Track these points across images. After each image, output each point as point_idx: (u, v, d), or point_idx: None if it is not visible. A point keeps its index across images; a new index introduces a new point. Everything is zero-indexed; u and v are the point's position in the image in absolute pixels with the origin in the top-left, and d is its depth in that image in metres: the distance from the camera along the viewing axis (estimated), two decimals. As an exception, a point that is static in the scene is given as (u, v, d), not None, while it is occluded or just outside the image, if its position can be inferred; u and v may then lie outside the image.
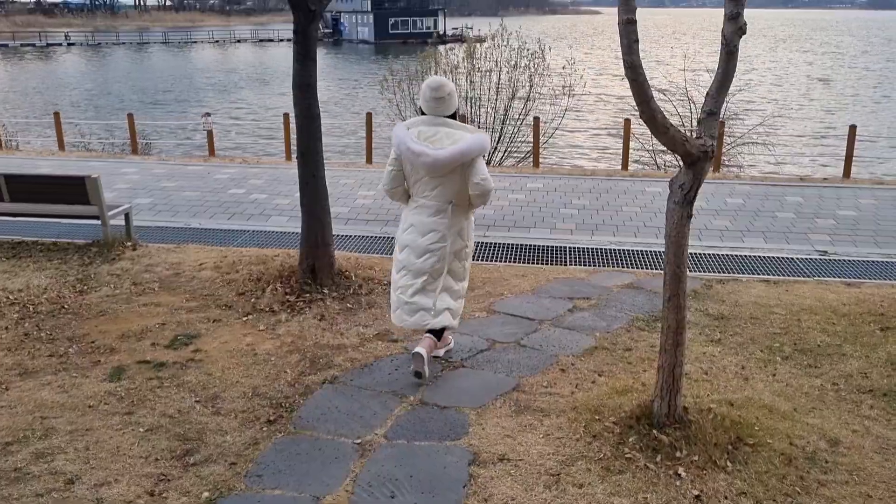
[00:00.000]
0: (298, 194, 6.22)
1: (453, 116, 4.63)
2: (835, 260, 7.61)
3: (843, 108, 30.91)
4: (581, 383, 4.68)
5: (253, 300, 6.01)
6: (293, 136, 14.46)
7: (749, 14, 3.41)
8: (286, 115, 14.35)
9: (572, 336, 5.46)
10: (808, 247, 7.98)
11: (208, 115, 14.93)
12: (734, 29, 3.46)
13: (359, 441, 4.00)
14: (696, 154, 3.51)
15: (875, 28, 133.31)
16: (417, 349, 4.68)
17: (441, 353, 5.06)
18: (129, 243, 7.46)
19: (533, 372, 4.85)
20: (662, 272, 6.45)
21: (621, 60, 3.36)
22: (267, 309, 5.84)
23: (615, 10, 3.37)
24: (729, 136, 14.04)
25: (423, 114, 4.61)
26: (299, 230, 8.03)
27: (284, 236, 8.17)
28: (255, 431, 4.10)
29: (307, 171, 6.02)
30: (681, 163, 3.65)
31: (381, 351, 5.19)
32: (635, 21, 3.23)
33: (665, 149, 15.01)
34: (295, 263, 6.57)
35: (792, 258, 7.62)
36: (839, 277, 7.06)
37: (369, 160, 14.08)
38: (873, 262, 7.56)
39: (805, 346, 5.32)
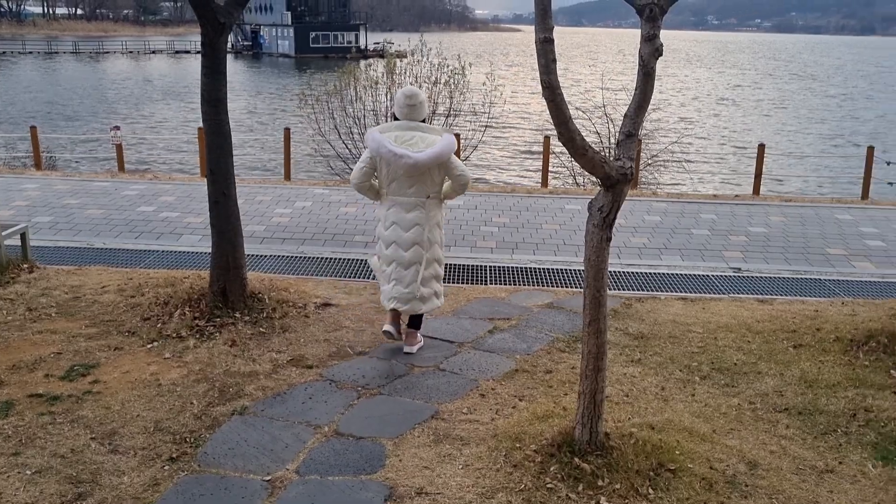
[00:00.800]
0: (209, 210, 5.94)
1: (423, 121, 5.20)
2: (748, 277, 7.76)
3: (752, 128, 32.14)
4: (501, 409, 4.57)
5: (159, 325, 5.69)
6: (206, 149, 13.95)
7: (661, 35, 3.37)
8: (200, 130, 13.90)
9: (492, 359, 5.35)
10: (723, 264, 8.13)
11: (117, 128, 14.34)
12: (651, 50, 3.42)
13: (268, 478, 3.77)
14: (616, 177, 3.45)
15: (778, 50, 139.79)
16: (407, 349, 5.39)
17: (415, 349, 5.43)
18: (24, 265, 6.99)
19: (452, 398, 4.71)
20: (582, 291, 6.43)
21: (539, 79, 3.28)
22: (174, 335, 5.53)
23: (534, 28, 3.29)
24: (645, 154, 14.31)
25: (396, 119, 5.20)
26: (210, 249, 7.73)
27: (196, 256, 7.83)
28: (155, 471, 3.82)
29: (217, 189, 5.75)
30: (600, 183, 3.58)
31: (295, 378, 4.96)
32: (552, 40, 3.15)
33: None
34: (205, 285, 6.27)
35: (707, 275, 7.74)
36: (752, 294, 7.19)
37: (287, 177, 13.78)
38: (784, 278, 7.75)
39: (722, 364, 5.35)
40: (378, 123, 15.50)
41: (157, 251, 8.02)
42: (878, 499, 3.75)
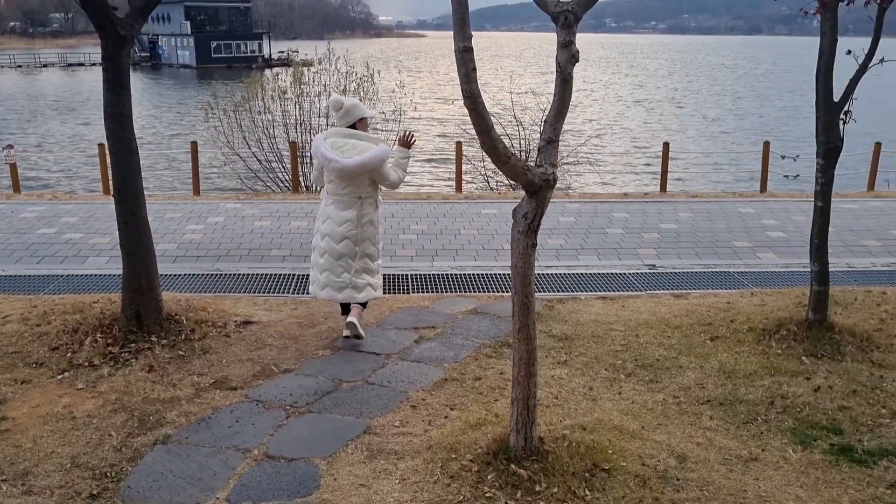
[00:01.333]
0: (118, 231, 5.69)
1: (357, 125, 5.72)
2: (662, 273, 7.98)
3: (655, 127, 33.19)
4: (434, 420, 4.53)
5: (69, 355, 5.40)
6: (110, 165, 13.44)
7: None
8: (101, 146, 13.36)
9: (421, 369, 5.31)
10: (638, 261, 8.33)
11: (10, 146, 13.61)
12: (567, 56, 3.46)
13: (198, 509, 3.63)
14: (539, 183, 3.48)
15: (674, 51, 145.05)
16: (350, 319, 5.72)
17: (355, 319, 5.75)
18: (-85, 298, 6.55)
19: (384, 411, 4.65)
20: (503, 295, 6.45)
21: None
22: (86, 363, 5.27)
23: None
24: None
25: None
26: (119, 272, 7.41)
27: (105, 280, 7.50)
28: (75, 510, 3.62)
29: (126, 208, 5.51)
30: (521, 189, 3.60)
31: (219, 401, 4.80)
32: (472, 49, 3.14)
33: (496, 171, 15.41)
34: (117, 309, 6.01)
35: (624, 273, 7.92)
36: (668, 290, 7.39)
37: (196, 192, 13.38)
38: (696, 272, 8.00)
39: (645, 361, 5.47)
40: (288, 134, 15.29)
41: (62, 276, 7.63)
42: (800, 482, 3.89)
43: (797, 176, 13.53)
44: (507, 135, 15.69)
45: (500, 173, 15.41)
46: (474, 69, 3.16)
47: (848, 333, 5.73)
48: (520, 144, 15.27)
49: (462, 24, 3.10)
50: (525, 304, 3.67)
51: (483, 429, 4.24)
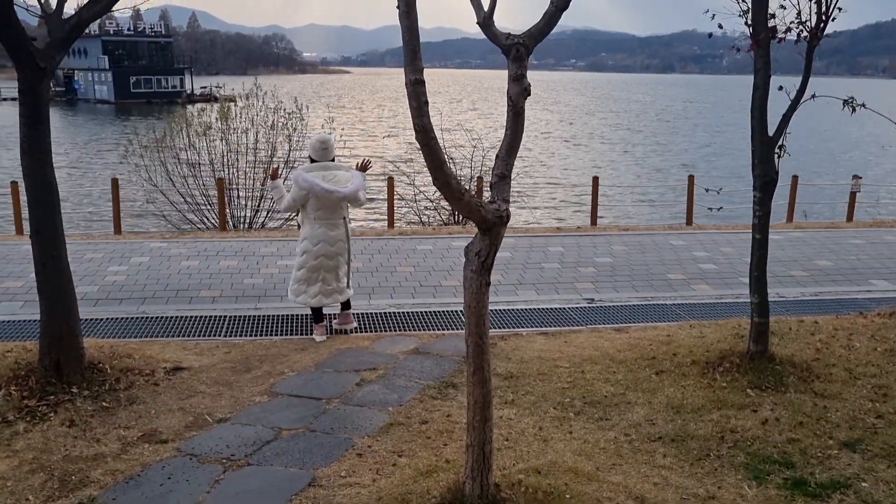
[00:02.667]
0: (35, 274, 5.31)
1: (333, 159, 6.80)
2: (601, 307, 7.97)
3: (581, 162, 33.85)
4: (382, 468, 4.32)
5: (-21, 410, 4.97)
6: (24, 205, 12.81)
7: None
8: (14, 184, 12.73)
9: (364, 413, 5.09)
10: (577, 295, 8.31)
11: (-86, 186, 12.82)
12: (520, 90, 3.37)
13: (129, 579, 3.31)
14: (492, 220, 3.36)
15: (593, 88, 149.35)
16: (345, 326, 7.01)
17: (349, 328, 7.00)
18: None
19: (328, 461, 4.41)
20: (444, 333, 6.30)
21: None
22: (-1, 420, 4.86)
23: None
24: (486, 191, 14.57)
25: (312, 161, 6.75)
26: (35, 317, 6.94)
27: (18, 326, 7.01)
28: (-12, 588, 3.26)
29: (44, 251, 5.15)
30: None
31: (148, 457, 4.47)
32: (423, 81, 3.02)
33: (430, 205, 15.33)
34: (33, 359, 5.58)
35: (564, 308, 7.87)
36: (608, 324, 7.37)
37: (118, 230, 12.84)
38: (634, 305, 8.02)
39: (593, 398, 5.38)
40: (213, 171, 14.87)
41: (-28, 323, 7.11)
42: (759, 521, 3.83)
43: (720, 208, 13.86)
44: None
45: (434, 208, 15.40)
46: (426, 102, 3.03)
47: (788, 364, 5.78)
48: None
49: (413, 55, 2.98)
50: (479, 346, 3.52)
51: (435, 476, 4.05)
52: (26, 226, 13.24)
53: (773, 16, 5.19)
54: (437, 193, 15.83)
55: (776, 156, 5.52)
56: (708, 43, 5.99)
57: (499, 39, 3.37)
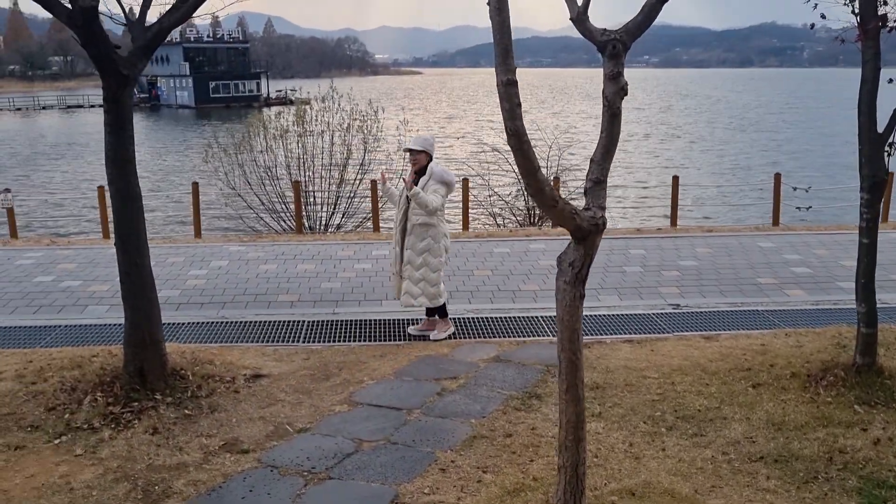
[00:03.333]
0: (120, 282, 5.35)
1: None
2: (688, 312, 7.62)
3: (658, 161, 33.06)
4: (466, 485, 4.15)
5: (67, 416, 5.02)
6: (111, 210, 13.16)
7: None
8: (101, 188, 13.07)
9: (446, 425, 4.93)
10: (661, 301, 7.98)
11: (8, 190, 13.33)
12: (616, 89, 3.16)
13: None
14: (587, 228, 3.15)
15: (669, 85, 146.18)
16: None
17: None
18: None
19: (410, 476, 4.27)
20: (525, 340, 6.09)
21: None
22: (85, 426, 4.89)
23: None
24: (564, 191, 14.28)
25: (430, 157, 6.69)
26: (121, 321, 7.04)
27: (105, 330, 7.13)
28: None
29: (128, 258, 5.17)
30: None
31: (230, 467, 4.42)
32: (516, 82, 2.84)
33: (502, 208, 15.11)
34: (118, 364, 5.64)
35: (648, 314, 7.56)
36: (696, 331, 7.03)
37: (198, 234, 13.06)
38: (723, 311, 7.64)
39: (685, 412, 5.10)
40: (290, 174, 14.99)
41: (60, 326, 7.26)
42: (879, 554, 3.51)
43: (809, 208, 13.19)
44: (514, 171, 15.47)
45: (507, 210, 15.18)
46: (519, 104, 2.85)
47: (899, 378, 5.37)
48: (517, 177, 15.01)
49: (505, 54, 2.80)
50: (572, 362, 3.32)
51: (522, 496, 3.87)
52: (112, 229, 13.64)
53: (886, 2, 4.80)
54: (512, 195, 15.68)
55: (886, 154, 5.13)
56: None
57: (594, 36, 3.16)
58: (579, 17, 3.14)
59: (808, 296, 8.10)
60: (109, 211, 13.77)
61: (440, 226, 6.68)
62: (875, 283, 5.43)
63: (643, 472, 4.26)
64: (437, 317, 6.92)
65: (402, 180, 6.95)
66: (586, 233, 3.18)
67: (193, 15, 5.12)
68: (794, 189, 14.24)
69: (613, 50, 3.12)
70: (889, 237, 10.64)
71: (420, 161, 6.61)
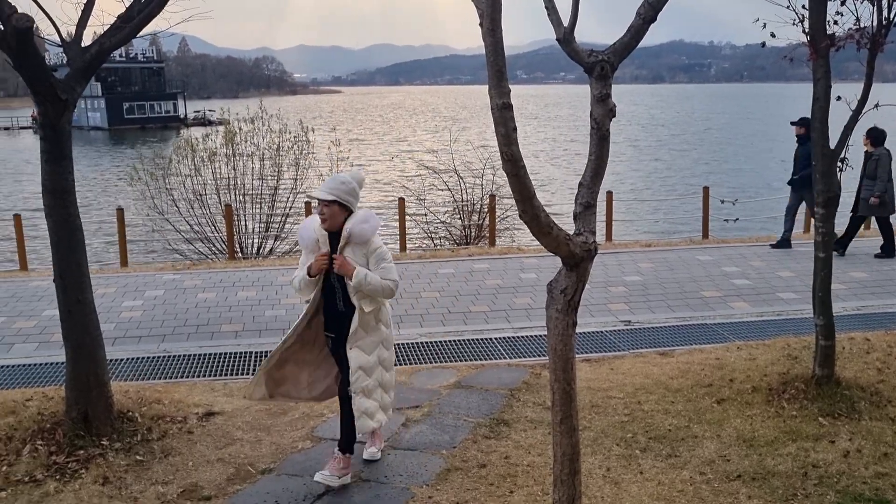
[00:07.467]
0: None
1: None
2: (639, 328, 7.65)
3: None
4: (448, 522, 3.98)
5: (5, 468, 4.62)
6: (29, 240, 12.42)
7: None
8: (17, 217, 12.40)
9: (417, 458, 4.75)
10: (612, 317, 7.99)
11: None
12: (605, 111, 3.08)
13: None
14: (580, 254, 3.05)
15: (583, 99, 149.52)
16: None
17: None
18: None
19: (388, 516, 4.07)
20: (483, 363, 5.97)
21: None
22: (27, 479, 4.50)
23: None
24: (500, 209, 14.27)
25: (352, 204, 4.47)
26: (53, 359, 6.66)
27: (35, 370, 6.66)
28: None
29: (70, 297, 4.82)
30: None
31: (191, 517, 4.13)
32: (511, 105, 2.72)
33: (440, 227, 15.01)
34: (57, 407, 5.25)
35: (601, 331, 7.56)
36: (650, 347, 7.05)
37: (124, 262, 12.51)
38: (673, 326, 7.70)
39: (656, 432, 5.06)
40: (220, 197, 14.54)
41: (-15, 368, 6.76)
42: (870, 571, 3.50)
43: (737, 220, 13.49)
44: (449, 189, 15.42)
45: (443, 230, 15.08)
46: (515, 129, 2.73)
47: (856, 388, 5.48)
48: (461, 197, 14.97)
49: (499, 76, 2.69)
50: (567, 392, 3.20)
51: (510, 532, 3.72)
52: (30, 260, 12.88)
53: (836, 22, 4.92)
54: (448, 213, 15.61)
55: (838, 169, 5.24)
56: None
57: (580, 56, 3.08)
58: (566, 38, 3.06)
59: (752, 307, 8.25)
60: (28, 240, 12.97)
61: (382, 311, 4.63)
62: (801, 291, 5.53)
63: (626, 498, 4.18)
64: (338, 451, 4.52)
65: (316, 259, 4.44)
66: (579, 259, 3.08)
67: (137, 35, 4.84)
68: (722, 202, 14.53)
69: (601, 71, 3.04)
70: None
71: (333, 216, 4.33)
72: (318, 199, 4.35)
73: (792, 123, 11.00)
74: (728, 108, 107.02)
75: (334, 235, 4.38)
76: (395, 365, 5.20)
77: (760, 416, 5.22)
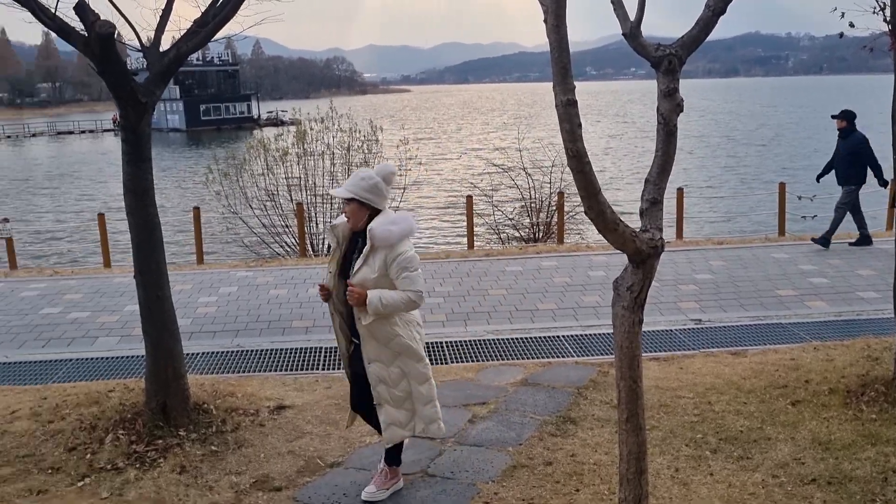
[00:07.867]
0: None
1: None
2: (710, 328, 7.50)
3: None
4: (514, 519, 3.99)
5: (89, 456, 4.84)
6: (111, 238, 12.90)
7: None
8: (101, 216, 12.92)
9: (483, 455, 4.77)
10: (682, 316, 7.85)
11: (6, 220, 13.13)
12: (671, 106, 3.04)
13: None
14: (647, 251, 3.02)
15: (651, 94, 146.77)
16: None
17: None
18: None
19: (454, 511, 4.11)
20: (550, 361, 5.94)
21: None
22: (109, 466, 4.71)
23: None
24: (568, 206, 14.16)
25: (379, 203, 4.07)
26: (134, 353, 6.87)
27: (118, 362, 6.95)
28: None
29: (149, 292, 5.01)
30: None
31: (263, 506, 4.24)
32: (576, 102, 2.71)
33: (508, 225, 14.99)
34: (137, 398, 5.47)
35: (671, 329, 7.43)
36: (721, 347, 6.90)
37: (200, 260, 12.90)
38: (746, 325, 7.52)
39: (728, 433, 4.95)
40: (291, 196, 14.86)
41: (71, 360, 7.08)
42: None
43: (815, 216, 13.03)
44: (517, 186, 15.38)
45: (513, 227, 15.05)
46: (580, 125, 2.73)
47: (941, 391, 5.25)
48: (530, 195, 14.92)
49: (564, 73, 2.68)
50: (633, 390, 3.18)
51: (576, 530, 3.71)
52: (115, 258, 13.40)
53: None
54: (516, 210, 15.57)
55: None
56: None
57: (647, 51, 3.04)
58: (632, 32, 3.03)
59: (830, 307, 7.99)
60: (111, 238, 13.49)
61: (409, 327, 4.16)
62: (886, 289, 5.32)
63: (695, 499, 4.12)
64: (383, 464, 4.36)
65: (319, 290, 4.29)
66: (645, 256, 3.05)
67: (213, 38, 5.00)
68: (800, 198, 14.10)
69: (669, 66, 3.00)
70: None
71: (354, 215, 4.01)
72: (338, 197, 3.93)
73: (833, 117, 10.63)
74: (807, 101, 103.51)
75: (360, 235, 4.05)
76: (460, 361, 5.11)
77: (837, 418, 5.05)
